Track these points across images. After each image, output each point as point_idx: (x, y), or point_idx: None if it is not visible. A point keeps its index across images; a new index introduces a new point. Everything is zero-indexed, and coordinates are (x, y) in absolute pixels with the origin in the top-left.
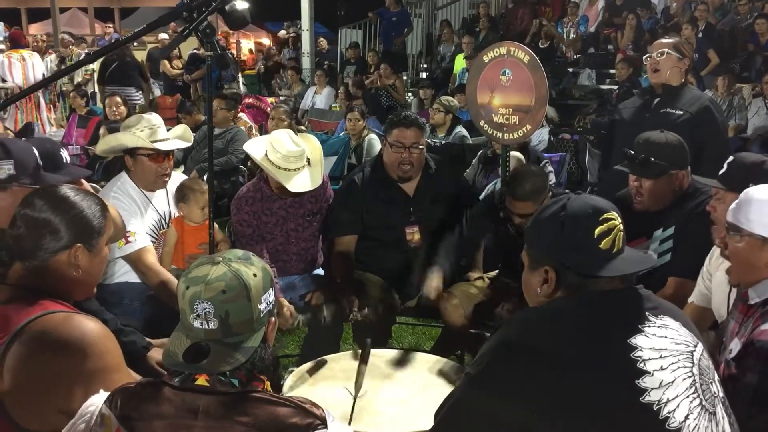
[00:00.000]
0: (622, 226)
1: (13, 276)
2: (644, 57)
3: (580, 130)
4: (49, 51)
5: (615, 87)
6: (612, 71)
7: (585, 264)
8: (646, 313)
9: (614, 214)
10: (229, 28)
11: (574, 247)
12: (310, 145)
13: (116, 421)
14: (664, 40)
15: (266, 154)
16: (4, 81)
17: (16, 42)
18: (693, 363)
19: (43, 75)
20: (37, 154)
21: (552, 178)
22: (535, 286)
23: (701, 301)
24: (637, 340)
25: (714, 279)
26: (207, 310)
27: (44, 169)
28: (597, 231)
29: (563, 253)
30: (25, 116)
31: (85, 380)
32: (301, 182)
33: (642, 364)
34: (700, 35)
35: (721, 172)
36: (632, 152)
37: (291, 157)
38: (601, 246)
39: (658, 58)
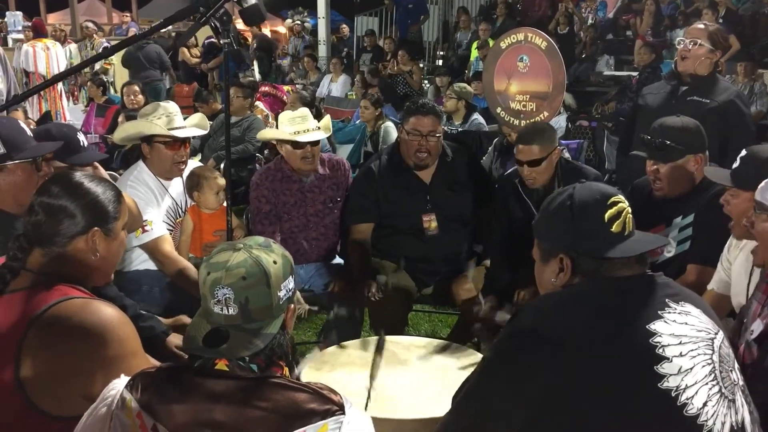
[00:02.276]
0: (630, 209)
1: (32, 262)
2: (677, 39)
3: (598, 117)
4: (68, 40)
5: (634, 73)
6: (630, 57)
7: (598, 247)
8: (666, 299)
9: (621, 197)
10: (245, 24)
11: (586, 233)
12: (323, 119)
13: (137, 405)
14: (700, 27)
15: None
16: (27, 73)
17: (38, 31)
18: (713, 350)
19: (66, 65)
20: (25, 127)
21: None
22: (550, 277)
23: (721, 288)
24: (657, 325)
25: (733, 267)
26: (227, 295)
27: (62, 152)
28: (607, 215)
29: (576, 240)
30: (48, 105)
31: (104, 365)
32: (311, 136)
33: (661, 350)
34: (720, 20)
35: (734, 167)
36: (648, 137)
37: (297, 117)
38: (612, 230)
39: (689, 47)
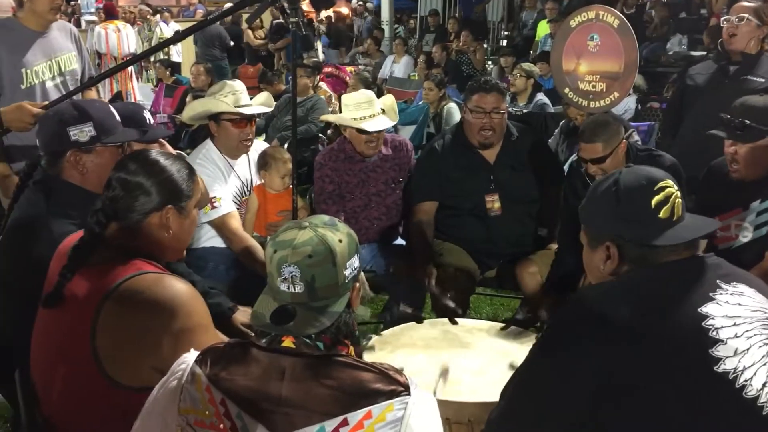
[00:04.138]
0: (679, 194)
1: (109, 237)
2: (722, 19)
3: (669, 99)
4: (138, 22)
5: (707, 53)
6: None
7: (645, 234)
8: (717, 281)
9: (669, 182)
10: (314, 8)
11: (632, 219)
12: (383, 100)
13: (206, 379)
14: (744, 4)
15: (342, 116)
16: (99, 54)
17: (110, 13)
18: None
19: (136, 46)
20: (115, 112)
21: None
22: (598, 264)
23: None
24: (709, 308)
25: None
26: (294, 273)
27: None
28: (654, 201)
29: (622, 226)
30: (120, 85)
31: (175, 339)
32: (376, 123)
33: (714, 333)
34: None
35: None
36: (728, 116)
37: (362, 103)
38: (660, 215)
39: (736, 23)
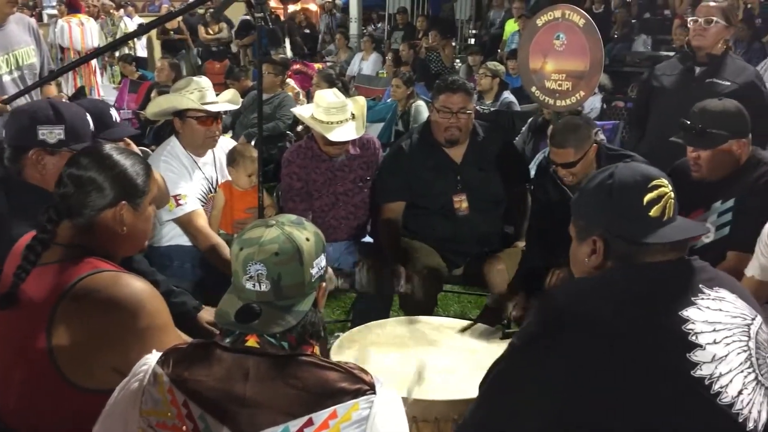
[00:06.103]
0: (673, 194)
1: (62, 235)
2: (689, 19)
3: (634, 98)
4: (102, 16)
5: (672, 54)
6: (668, 37)
7: (633, 231)
8: (700, 285)
9: (664, 182)
10: (282, 2)
11: (622, 214)
12: (356, 102)
13: (168, 380)
14: (711, 4)
15: (312, 114)
16: (62, 48)
17: (72, 7)
18: (749, 337)
19: (99, 41)
20: (90, 120)
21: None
22: (583, 258)
23: (762, 275)
24: (689, 312)
25: None
26: (260, 271)
27: (95, 128)
28: (646, 198)
29: (611, 221)
30: (83, 80)
31: (134, 339)
32: (342, 133)
33: (694, 337)
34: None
35: None
36: (688, 122)
37: (332, 108)
38: (650, 214)
39: (705, 26)
